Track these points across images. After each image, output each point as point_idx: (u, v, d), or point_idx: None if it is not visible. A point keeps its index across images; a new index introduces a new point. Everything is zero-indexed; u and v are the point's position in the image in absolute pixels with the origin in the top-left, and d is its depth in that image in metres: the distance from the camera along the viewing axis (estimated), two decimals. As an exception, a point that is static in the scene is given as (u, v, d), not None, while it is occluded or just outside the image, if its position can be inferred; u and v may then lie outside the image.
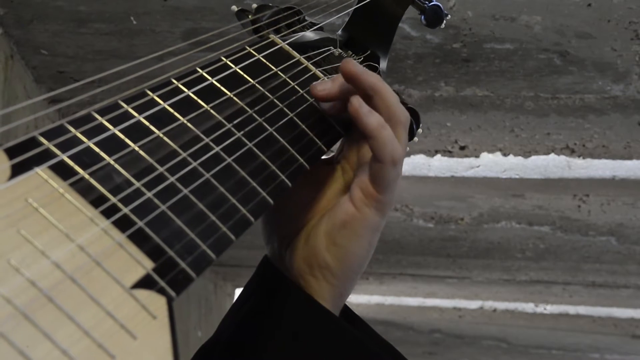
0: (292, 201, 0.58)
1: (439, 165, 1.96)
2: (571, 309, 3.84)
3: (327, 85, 0.56)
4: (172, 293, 0.38)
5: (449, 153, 1.93)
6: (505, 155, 1.91)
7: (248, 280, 0.62)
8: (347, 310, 0.61)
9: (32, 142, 0.39)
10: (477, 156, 1.93)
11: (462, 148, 1.90)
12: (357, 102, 0.53)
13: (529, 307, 3.89)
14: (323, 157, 0.58)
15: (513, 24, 1.37)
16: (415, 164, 1.95)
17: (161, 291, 0.38)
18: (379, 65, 0.69)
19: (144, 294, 0.37)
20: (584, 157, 1.87)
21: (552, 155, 1.89)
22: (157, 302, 0.37)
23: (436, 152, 1.93)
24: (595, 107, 1.64)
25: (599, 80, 1.53)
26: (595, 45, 1.41)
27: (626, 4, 1.29)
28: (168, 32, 1.46)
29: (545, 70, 1.51)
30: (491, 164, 1.94)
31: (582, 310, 3.81)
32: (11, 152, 0.37)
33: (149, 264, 0.38)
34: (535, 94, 1.61)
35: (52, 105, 1.55)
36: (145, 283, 0.37)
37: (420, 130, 0.68)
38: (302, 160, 0.52)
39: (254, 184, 0.47)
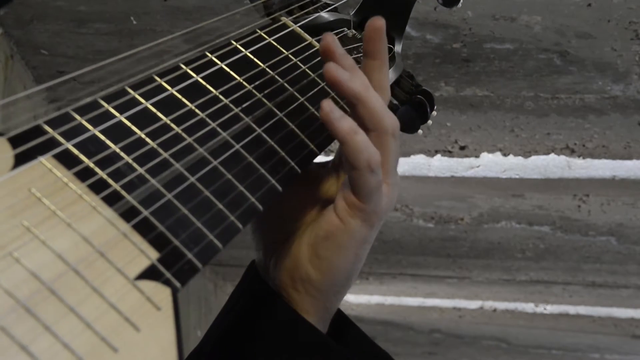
0: (281, 207, 0.55)
1: (439, 165, 1.95)
2: (571, 309, 3.83)
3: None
4: (177, 284, 0.37)
5: (449, 153, 1.93)
6: (505, 155, 1.91)
7: (235, 287, 0.60)
8: (340, 317, 0.59)
9: (37, 131, 0.38)
10: (477, 156, 1.93)
11: (462, 148, 1.90)
12: (327, 106, 0.48)
13: (529, 307, 3.88)
14: (316, 160, 0.55)
15: (513, 24, 1.37)
16: (415, 164, 1.95)
17: (166, 282, 0.37)
18: (394, 46, 0.68)
19: (148, 285, 0.36)
20: (584, 157, 1.87)
21: (552, 155, 1.89)
22: (161, 293, 0.36)
23: (436, 152, 1.93)
24: (595, 107, 1.64)
25: (599, 80, 1.53)
26: (595, 45, 1.41)
27: (626, 4, 1.29)
28: (168, 32, 1.45)
29: (545, 70, 1.51)
30: (491, 164, 1.94)
31: (582, 310, 3.81)
32: (15, 141, 0.37)
33: (154, 254, 0.37)
34: (535, 94, 1.61)
35: (51, 105, 1.55)
36: (150, 274, 0.37)
37: (434, 113, 0.66)
38: (312, 146, 0.51)
39: (263, 171, 0.46)
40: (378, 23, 0.53)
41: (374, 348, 0.59)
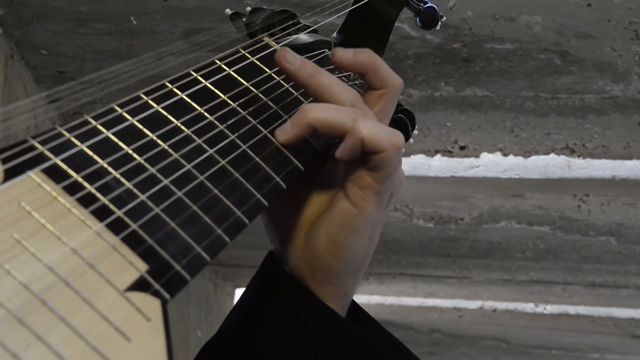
0: (290, 197, 0.56)
1: (439, 165, 1.96)
2: (571, 309, 3.84)
3: (286, 128, 0.52)
4: (167, 295, 0.38)
5: (449, 153, 1.93)
6: (505, 155, 1.91)
7: (253, 276, 0.60)
8: (355, 307, 0.60)
9: (26, 147, 0.39)
10: (477, 156, 1.93)
11: (462, 148, 1.90)
12: (339, 153, 0.51)
13: (529, 307, 3.89)
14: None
15: (513, 24, 1.37)
16: (415, 164, 1.95)
17: (155, 294, 0.37)
18: None
19: (138, 296, 0.37)
20: (584, 157, 1.87)
21: (552, 155, 1.89)
22: (151, 305, 0.37)
23: (436, 152, 1.93)
24: (595, 107, 1.64)
25: (599, 80, 1.53)
26: (595, 45, 1.41)
27: (626, 4, 1.29)
28: (168, 32, 1.46)
29: (545, 70, 1.51)
30: (491, 164, 1.94)
31: (582, 310, 3.82)
32: (4, 157, 0.37)
33: (142, 267, 0.38)
34: (535, 94, 1.61)
35: (52, 106, 1.55)
36: (139, 285, 0.37)
37: (415, 132, 0.67)
38: (296, 162, 0.51)
39: (248, 186, 0.47)
40: (337, 59, 0.56)
41: (387, 335, 0.60)
